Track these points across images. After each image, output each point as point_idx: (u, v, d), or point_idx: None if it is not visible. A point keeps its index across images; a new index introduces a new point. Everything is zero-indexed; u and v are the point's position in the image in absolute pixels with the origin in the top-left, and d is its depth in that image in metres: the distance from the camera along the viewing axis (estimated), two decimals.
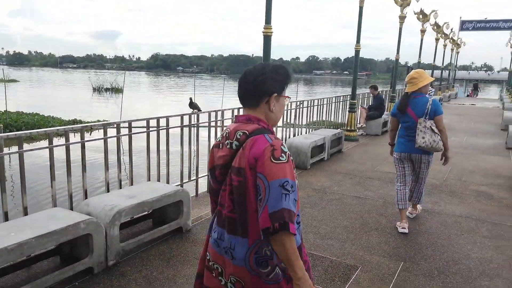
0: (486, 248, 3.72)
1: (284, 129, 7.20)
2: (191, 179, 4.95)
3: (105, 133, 3.75)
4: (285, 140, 7.15)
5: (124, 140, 4.28)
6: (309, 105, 8.25)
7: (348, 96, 10.14)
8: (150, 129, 4.27)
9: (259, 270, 1.48)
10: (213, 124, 5.22)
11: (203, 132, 5.30)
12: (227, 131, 1.58)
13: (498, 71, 43.42)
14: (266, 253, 1.48)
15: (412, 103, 4.02)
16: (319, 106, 8.81)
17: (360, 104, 11.06)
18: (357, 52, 9.29)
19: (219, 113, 5.31)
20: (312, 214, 4.53)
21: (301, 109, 7.80)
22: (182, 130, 4.67)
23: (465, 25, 31.83)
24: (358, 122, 10.87)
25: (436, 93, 22.09)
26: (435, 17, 17.51)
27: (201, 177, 5.15)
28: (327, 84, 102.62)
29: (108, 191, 3.84)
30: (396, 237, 3.92)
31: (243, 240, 1.48)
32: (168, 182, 4.50)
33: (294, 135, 7.60)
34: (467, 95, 36.07)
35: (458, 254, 3.58)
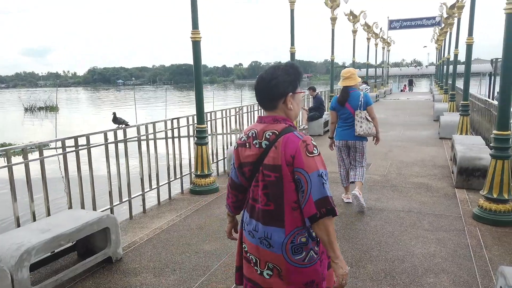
0: (429, 242, 3.70)
1: (225, 136, 6.94)
2: (123, 200, 4.51)
3: (8, 160, 3.24)
4: (226, 148, 6.89)
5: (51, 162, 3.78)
6: (249, 110, 8.06)
7: None
8: (68, 149, 3.81)
9: (294, 258, 1.60)
10: (144, 138, 4.83)
11: (146, 146, 4.89)
12: (253, 131, 1.69)
13: (427, 66, 46.54)
14: (302, 240, 1.61)
15: (349, 96, 4.64)
16: (259, 110, 8.67)
17: (301, 106, 11.12)
18: (292, 54, 9.30)
19: (150, 126, 4.94)
20: None
21: (240, 115, 7.59)
22: (107, 147, 4.23)
23: (392, 24, 33.67)
24: (300, 123, 10.90)
25: (372, 90, 23.07)
26: (365, 17, 18.27)
27: (135, 197, 4.73)
28: None
29: (18, 226, 3.33)
30: (343, 242, 3.79)
31: (280, 229, 1.60)
32: (94, 208, 4.05)
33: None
34: (401, 90, 38.28)
35: (403, 251, 3.52)
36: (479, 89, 28.84)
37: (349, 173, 4.89)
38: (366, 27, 21.48)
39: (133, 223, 4.49)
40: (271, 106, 1.68)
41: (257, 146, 1.66)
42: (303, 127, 10.61)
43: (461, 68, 17.90)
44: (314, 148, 1.59)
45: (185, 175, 5.71)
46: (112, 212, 4.31)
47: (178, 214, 4.72)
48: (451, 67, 16.93)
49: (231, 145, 7.07)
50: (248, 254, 1.75)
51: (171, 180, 5.40)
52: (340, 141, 4.80)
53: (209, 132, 6.23)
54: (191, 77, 6.41)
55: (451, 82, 13.53)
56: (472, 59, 12.60)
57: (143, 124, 4.87)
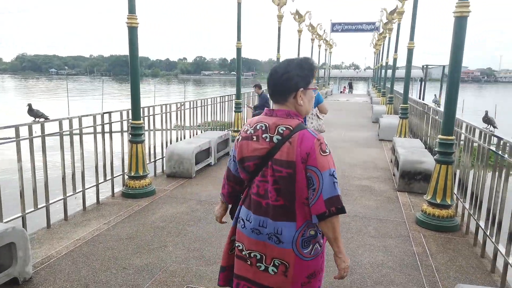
0: (376, 250, 3.57)
1: (165, 132, 6.42)
2: (39, 206, 3.88)
3: None
4: (166, 146, 6.39)
5: None
6: (192, 106, 7.60)
7: (233, 95, 9.78)
8: None
9: (303, 251, 1.61)
10: (67, 133, 4.21)
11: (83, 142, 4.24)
12: (263, 125, 1.63)
13: (365, 69, 48.79)
14: (311, 233, 1.62)
15: None
16: (203, 107, 8.23)
17: (246, 103, 10.83)
18: (238, 49, 8.97)
19: (75, 120, 4.32)
20: (196, 234, 3.90)
21: (182, 111, 7.11)
22: (18, 144, 3.58)
23: (335, 27, 34.72)
24: (245, 121, 10.61)
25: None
26: (310, 18, 18.48)
27: (54, 202, 4.10)
28: (216, 85, 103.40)
29: None
30: None
31: (292, 224, 1.59)
32: (0, 218, 3.38)
33: (176, 140, 6.87)
34: (340, 92, 39.72)
35: (351, 261, 3.34)
36: (411, 94, 30.68)
37: None
38: (310, 28, 21.80)
39: (50, 233, 3.87)
40: (281, 99, 1.64)
41: (267, 140, 1.61)
42: None
43: (397, 73, 18.77)
44: (326, 147, 1.59)
45: (116, 176, 5.14)
46: (24, 221, 3.66)
47: (106, 222, 4.18)
48: (389, 71, 17.70)
49: (170, 143, 6.57)
50: (244, 252, 1.71)
51: (100, 182, 4.81)
52: None
53: (146, 128, 5.70)
54: None
55: (389, 86, 14.08)
56: (403, 65, 13.40)
57: (66, 118, 4.23)
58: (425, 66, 41.65)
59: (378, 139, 9.71)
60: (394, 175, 6.15)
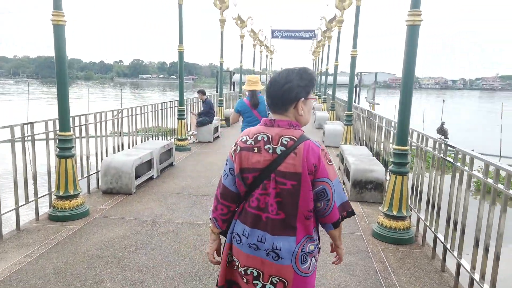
0: (337, 270, 3.36)
1: (100, 143, 5.77)
2: None
3: None
4: (101, 159, 5.74)
5: None
6: (130, 114, 6.98)
7: (176, 101, 9.26)
8: None
9: (301, 267, 1.57)
10: None
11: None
12: (264, 135, 1.59)
13: None
14: (310, 248, 1.59)
15: (258, 101, 4.90)
16: (143, 114, 7.63)
17: (189, 110, 10.34)
18: (180, 53, 8.49)
19: None
20: (139, 262, 3.41)
21: (120, 119, 6.48)
22: None
23: (275, 34, 35.19)
24: (188, 129, 10.12)
25: None
26: (252, 23, 18.40)
27: None
28: (155, 89, 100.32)
29: None
30: None
31: (291, 238, 1.54)
32: None
33: (113, 151, 6.23)
34: None
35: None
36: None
37: None
38: (252, 33, 21.75)
39: None
40: (281, 109, 1.61)
41: (270, 151, 1.57)
42: (192, 133, 9.85)
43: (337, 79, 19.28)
44: (330, 156, 1.61)
45: (42, 197, 4.45)
46: None
47: (28, 253, 3.53)
48: (329, 77, 18.16)
49: (106, 155, 5.93)
50: (240, 270, 1.65)
51: (20, 204, 4.11)
52: None
53: (77, 140, 5.05)
54: None
55: (330, 93, 14.39)
56: (338, 71, 13.79)
57: None
58: (359, 73, 43.98)
59: (324, 146, 9.74)
60: (344, 183, 6.08)
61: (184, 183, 6.05)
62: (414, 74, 3.83)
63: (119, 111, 6.56)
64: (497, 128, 21.78)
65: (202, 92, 10.09)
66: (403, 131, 3.90)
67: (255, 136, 1.61)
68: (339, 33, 12.26)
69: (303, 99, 1.59)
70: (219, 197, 1.71)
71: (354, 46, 8.08)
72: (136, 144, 7.09)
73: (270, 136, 1.58)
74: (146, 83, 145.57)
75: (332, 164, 1.58)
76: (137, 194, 5.43)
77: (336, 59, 12.55)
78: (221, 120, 12.74)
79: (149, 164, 6.15)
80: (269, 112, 5.01)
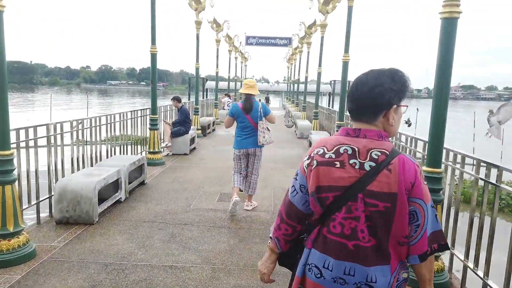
0: None
1: (53, 156, 4.73)
2: None
3: None
4: (55, 181, 4.69)
5: None
6: (94, 124, 5.95)
7: (148, 109, 8.25)
8: None
9: None
10: None
11: None
12: (348, 148, 1.35)
13: (275, 83, 49.70)
14: (403, 276, 1.38)
15: (252, 105, 4.86)
16: (109, 124, 6.60)
17: (163, 118, 9.34)
18: (153, 55, 7.52)
19: None
20: None
21: (81, 130, 5.45)
22: None
23: (249, 40, 34.57)
24: (162, 140, 9.11)
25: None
26: (228, 27, 17.60)
27: None
28: (124, 95, 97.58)
29: None
30: None
31: (386, 267, 1.33)
32: None
33: (72, 170, 5.19)
34: None
35: None
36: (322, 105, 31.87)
37: (241, 180, 5.03)
38: (227, 39, 20.95)
39: None
40: (369, 117, 1.36)
41: (356, 167, 1.31)
42: (166, 144, 8.84)
43: (312, 87, 18.77)
44: (424, 174, 1.44)
45: None
46: None
47: None
48: (307, 85, 17.60)
49: (63, 176, 4.88)
50: None
51: None
52: (241, 150, 4.95)
53: (21, 159, 4.01)
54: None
55: (310, 101, 13.78)
56: (309, 80, 13.55)
57: None
58: (332, 82, 44.25)
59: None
60: None
61: (159, 207, 5.08)
62: (451, 80, 3.08)
63: (80, 121, 5.52)
64: (470, 136, 21.97)
65: (177, 99, 9.12)
66: (436, 148, 3.15)
67: (335, 148, 1.37)
68: (322, 38, 11.67)
69: (395, 106, 1.36)
70: (284, 215, 1.51)
71: (346, 51, 7.41)
72: (100, 160, 6.04)
73: (356, 149, 1.35)
74: (115, 89, 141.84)
75: (426, 183, 1.35)
76: (100, 224, 4.42)
77: (320, 65, 11.91)
78: (197, 129, 11.79)
79: (115, 184, 5.14)
80: (261, 119, 4.89)
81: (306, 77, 16.39)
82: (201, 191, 5.88)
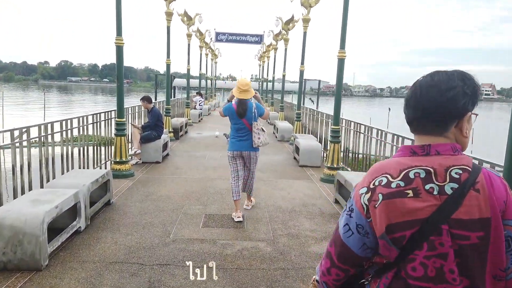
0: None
1: None
2: None
3: None
4: None
5: None
6: (44, 133, 4.77)
7: (113, 112, 7.09)
8: None
9: None
10: None
11: None
12: (421, 170, 1.08)
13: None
14: None
15: (247, 109, 4.66)
16: (65, 132, 5.42)
17: (130, 121, 8.17)
18: (119, 48, 6.38)
19: None
20: None
21: (25, 142, 4.28)
22: None
23: (219, 37, 33.42)
24: (130, 147, 7.96)
25: (204, 102, 21.52)
26: (200, 21, 16.44)
27: None
28: (86, 92, 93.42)
29: None
30: None
31: None
32: None
33: (14, 195, 4.02)
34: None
35: None
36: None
37: (240, 185, 4.85)
38: (198, 34, 19.76)
39: None
40: (439, 129, 1.12)
41: (434, 192, 1.05)
42: (135, 151, 7.69)
43: (286, 86, 17.90)
44: None
45: None
46: None
47: None
48: (288, 84, 16.77)
49: (0, 203, 3.71)
50: None
51: None
52: (235, 152, 4.77)
53: None
54: None
55: (288, 101, 12.96)
56: (276, 78, 12.84)
57: None
58: (304, 80, 44.01)
59: (298, 165, 8.13)
60: None
61: (130, 239, 4.02)
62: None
63: (25, 129, 4.34)
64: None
65: (147, 100, 7.97)
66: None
67: (403, 173, 1.08)
68: (305, 33, 10.82)
69: (470, 113, 1.12)
70: (335, 258, 1.20)
71: (342, 47, 6.58)
72: (52, 177, 4.87)
73: (431, 170, 1.07)
74: (76, 86, 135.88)
75: None
76: (51, 269, 3.32)
77: (302, 63, 11.08)
78: (169, 132, 10.66)
79: (73, 211, 4.02)
80: (256, 120, 4.69)
81: (284, 76, 15.54)
82: (180, 213, 4.85)
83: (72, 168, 5.62)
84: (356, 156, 6.99)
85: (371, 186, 1.12)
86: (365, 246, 1.14)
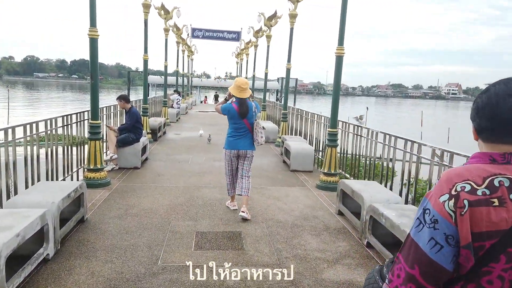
0: None
1: None
2: None
3: None
4: None
5: None
6: (3, 141, 4.01)
7: (86, 112, 6.32)
8: None
9: None
10: None
11: None
12: (505, 179, 1.03)
13: (225, 79, 47.55)
14: None
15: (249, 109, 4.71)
16: (29, 137, 4.64)
17: (106, 123, 7.38)
18: (92, 41, 5.62)
19: None
20: None
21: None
22: None
23: (195, 33, 32.42)
24: (106, 151, 7.19)
25: (181, 101, 20.68)
26: (178, 15, 15.61)
27: None
28: (53, 89, 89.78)
29: None
30: None
31: None
32: None
33: None
34: (201, 102, 37.79)
35: None
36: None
37: (235, 182, 4.90)
38: (175, 29, 18.89)
39: None
40: None
41: None
42: (111, 156, 6.92)
43: (269, 84, 17.39)
44: None
45: None
46: None
47: None
48: (268, 83, 16.17)
49: None
50: None
51: None
52: (232, 151, 4.75)
53: None
54: None
55: (274, 100, 12.39)
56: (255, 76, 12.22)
57: None
58: (279, 78, 43.69)
59: (289, 170, 7.60)
60: (368, 245, 3.99)
61: (109, 268, 3.35)
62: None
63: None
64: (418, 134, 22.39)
65: (124, 99, 7.22)
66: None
67: (487, 180, 1.04)
68: (291, 29, 10.31)
69: None
70: (422, 281, 1.05)
71: (341, 43, 6.08)
72: (14, 194, 4.11)
73: None
74: (43, 82, 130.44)
75: None
76: None
77: (289, 61, 10.56)
78: (147, 133, 9.89)
79: (39, 236, 3.31)
80: (256, 118, 4.80)
81: (266, 74, 14.97)
82: (168, 231, 4.21)
83: (38, 177, 4.84)
84: (356, 161, 6.50)
85: (453, 192, 1.04)
86: (455, 258, 1.05)
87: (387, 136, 5.47)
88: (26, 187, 4.45)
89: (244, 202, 4.72)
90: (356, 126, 6.38)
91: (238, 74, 32.77)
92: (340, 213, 5.01)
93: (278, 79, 43.88)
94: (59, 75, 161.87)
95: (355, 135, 6.41)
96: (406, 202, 4.64)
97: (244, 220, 4.58)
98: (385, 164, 5.59)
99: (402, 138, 5.19)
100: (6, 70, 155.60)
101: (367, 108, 28.98)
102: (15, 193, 4.12)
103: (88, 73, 5.81)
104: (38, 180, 4.79)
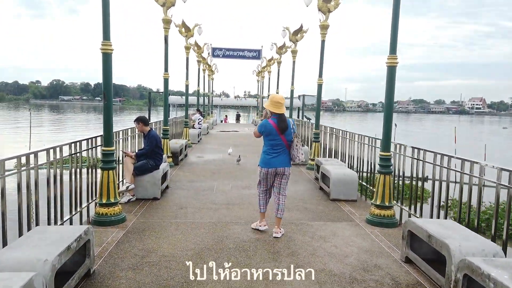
0: None
1: None
2: None
3: None
4: None
5: None
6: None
7: (99, 138, 5.55)
8: None
9: None
10: None
11: None
12: None
13: (245, 98, 47.13)
14: None
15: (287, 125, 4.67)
16: (28, 171, 3.86)
17: (121, 148, 6.61)
18: (106, 56, 4.88)
19: None
20: None
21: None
22: None
23: (216, 52, 32.19)
24: (121, 180, 6.39)
25: (203, 120, 20.02)
26: (200, 33, 15.09)
27: None
28: (78, 111, 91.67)
29: None
30: None
31: None
32: None
33: None
34: (221, 121, 37.28)
35: None
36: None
37: (268, 199, 4.82)
38: (196, 48, 18.41)
39: None
40: None
41: None
42: (126, 186, 6.08)
43: (296, 101, 16.54)
44: None
45: None
46: None
47: None
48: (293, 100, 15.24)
49: None
50: None
51: None
52: (270, 169, 4.62)
53: None
54: None
55: (307, 118, 11.45)
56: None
57: None
58: (302, 96, 42.89)
59: (329, 199, 6.60)
60: None
61: None
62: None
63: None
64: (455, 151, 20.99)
65: (143, 121, 6.44)
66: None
67: None
68: (323, 41, 9.47)
69: None
70: None
71: (393, 52, 5.14)
72: (3, 244, 3.27)
73: None
74: (68, 105, 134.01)
75: None
76: None
77: (320, 75, 9.67)
78: (167, 157, 9.10)
79: None
80: (294, 135, 4.62)
81: (292, 91, 14.10)
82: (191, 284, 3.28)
83: (37, 223, 4.01)
84: (414, 192, 5.41)
85: None
86: None
87: (460, 162, 4.43)
88: (20, 233, 3.62)
89: (277, 224, 4.66)
90: (414, 149, 5.33)
91: (259, 92, 32.11)
92: (408, 260, 3.97)
93: (299, 96, 43.04)
94: (83, 97, 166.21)
95: (414, 160, 5.36)
96: (505, 251, 3.55)
97: (276, 237, 4.56)
98: (455, 195, 4.53)
99: (490, 165, 4.16)
100: (33, 94, 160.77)
101: (395, 124, 27.60)
102: (4, 244, 3.28)
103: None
104: (36, 224, 3.96)
